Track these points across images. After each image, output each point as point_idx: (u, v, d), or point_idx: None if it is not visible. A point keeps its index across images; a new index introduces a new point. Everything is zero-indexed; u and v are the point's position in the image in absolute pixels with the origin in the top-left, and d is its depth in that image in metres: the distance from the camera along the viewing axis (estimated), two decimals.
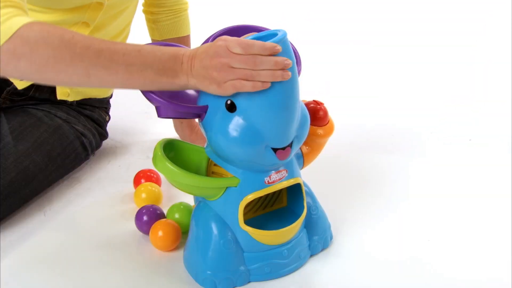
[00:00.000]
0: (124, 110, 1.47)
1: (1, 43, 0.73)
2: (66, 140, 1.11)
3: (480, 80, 1.72)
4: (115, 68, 0.75)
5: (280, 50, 0.71)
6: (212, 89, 0.74)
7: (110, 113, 1.31)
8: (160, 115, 0.76)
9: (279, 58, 0.71)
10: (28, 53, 0.74)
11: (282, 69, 0.71)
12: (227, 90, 0.73)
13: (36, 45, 0.74)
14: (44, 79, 0.78)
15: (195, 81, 0.75)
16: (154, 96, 0.75)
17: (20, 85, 1.10)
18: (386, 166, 1.17)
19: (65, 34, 0.75)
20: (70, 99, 1.15)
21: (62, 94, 1.13)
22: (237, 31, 0.87)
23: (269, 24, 0.95)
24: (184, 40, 1.23)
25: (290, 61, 0.71)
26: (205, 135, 0.79)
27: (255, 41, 0.71)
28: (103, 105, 1.24)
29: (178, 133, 1.34)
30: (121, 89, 0.81)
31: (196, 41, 0.89)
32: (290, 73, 0.71)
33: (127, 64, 0.74)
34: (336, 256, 0.90)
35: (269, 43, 0.70)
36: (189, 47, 1.21)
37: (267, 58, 0.70)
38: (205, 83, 0.74)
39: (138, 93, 0.79)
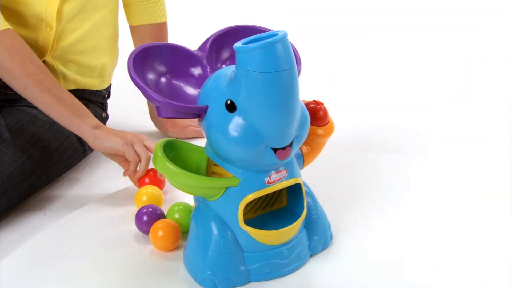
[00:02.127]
0: (124, 110, 1.47)
1: None
2: (62, 135, 1.13)
3: (480, 80, 1.72)
4: (45, 98, 1.00)
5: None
6: (114, 141, 1.03)
7: (110, 114, 1.31)
8: (160, 115, 0.77)
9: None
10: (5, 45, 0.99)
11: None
12: (127, 148, 1.02)
13: (6, 50, 0.99)
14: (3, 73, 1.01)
15: (103, 132, 1.03)
16: (154, 96, 0.75)
17: None
18: (386, 166, 1.17)
19: (27, 54, 1.02)
20: None
21: None
22: (237, 31, 0.87)
23: (270, 24, 0.95)
24: (160, 27, 1.25)
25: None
26: (205, 135, 0.79)
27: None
28: (98, 99, 1.25)
29: (153, 122, 1.36)
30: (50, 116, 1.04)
31: (196, 41, 0.89)
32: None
33: (57, 98, 1.01)
34: (336, 256, 0.90)
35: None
36: (166, 35, 1.28)
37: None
38: (114, 136, 1.03)
39: (138, 93, 0.79)
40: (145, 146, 1.04)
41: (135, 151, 1.03)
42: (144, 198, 1.01)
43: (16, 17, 1.08)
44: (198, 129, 1.33)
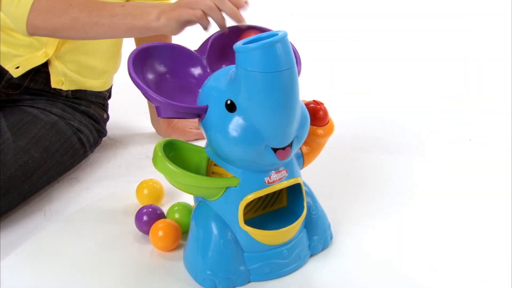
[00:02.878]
0: (124, 110, 1.47)
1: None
2: (63, 136, 1.13)
3: (480, 80, 1.72)
4: (101, 23, 0.94)
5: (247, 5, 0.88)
6: (176, 14, 0.88)
7: (111, 113, 1.31)
8: (160, 115, 0.76)
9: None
10: (43, 16, 0.97)
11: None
12: (189, 13, 0.87)
13: (49, 11, 0.97)
14: (54, 26, 0.98)
15: (164, 17, 0.89)
16: (154, 96, 0.75)
17: (15, 73, 1.12)
18: (386, 166, 1.17)
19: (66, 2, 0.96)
20: (64, 88, 1.17)
21: (56, 82, 1.16)
22: (237, 31, 0.87)
23: (270, 24, 0.95)
24: None
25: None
26: (205, 135, 0.79)
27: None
28: (99, 100, 1.25)
29: (154, 127, 1.35)
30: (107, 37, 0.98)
31: (196, 41, 0.89)
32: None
33: (111, 14, 0.94)
34: (336, 256, 0.90)
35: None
36: (170, 39, 1.25)
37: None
38: (172, 13, 0.88)
39: (138, 94, 0.79)
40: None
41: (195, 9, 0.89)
42: (145, 191, 1.02)
43: None
44: (198, 131, 1.33)
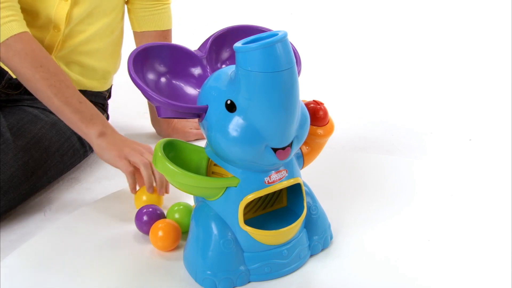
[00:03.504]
0: (124, 111, 1.47)
1: (1, 41, 0.98)
2: (63, 136, 1.13)
3: (480, 80, 1.72)
4: (53, 102, 1.00)
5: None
6: (111, 155, 1.00)
7: (111, 113, 1.31)
8: (160, 115, 0.76)
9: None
10: (11, 57, 1.00)
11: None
12: (121, 163, 1.00)
13: (17, 55, 1.00)
14: (17, 76, 1.03)
15: (105, 142, 1.00)
16: (154, 96, 0.75)
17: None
18: (386, 166, 1.17)
19: (37, 58, 1.00)
20: None
21: None
22: (237, 31, 0.87)
23: (270, 24, 0.95)
24: (165, 34, 1.25)
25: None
26: (205, 135, 0.79)
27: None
28: (99, 100, 1.25)
29: (154, 127, 1.35)
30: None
31: (196, 41, 0.89)
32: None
33: (64, 103, 1.00)
34: (336, 256, 0.90)
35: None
36: (170, 41, 1.25)
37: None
38: (115, 148, 1.00)
39: (137, 94, 0.79)
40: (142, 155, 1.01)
41: (130, 161, 1.00)
42: (144, 198, 1.01)
43: (25, 17, 1.08)
44: (198, 131, 1.33)
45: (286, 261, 0.85)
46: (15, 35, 0.99)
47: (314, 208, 0.89)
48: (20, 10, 1.02)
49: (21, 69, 1.00)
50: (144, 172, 0.98)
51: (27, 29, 1.02)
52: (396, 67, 1.83)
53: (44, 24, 1.09)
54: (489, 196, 1.05)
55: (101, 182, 1.16)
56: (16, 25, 0.99)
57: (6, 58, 1.00)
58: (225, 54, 0.87)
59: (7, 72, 1.12)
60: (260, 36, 0.72)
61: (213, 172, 0.85)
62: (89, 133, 1.01)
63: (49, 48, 1.12)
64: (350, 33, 2.15)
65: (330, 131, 0.88)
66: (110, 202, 1.06)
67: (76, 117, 1.01)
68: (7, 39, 0.98)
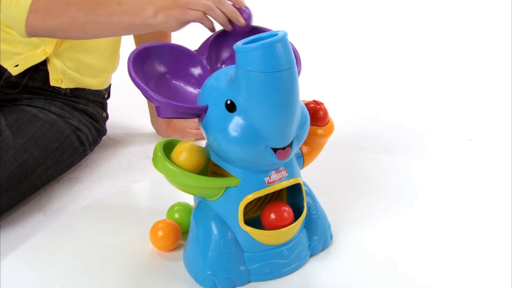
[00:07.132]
0: (124, 110, 1.47)
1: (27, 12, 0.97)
2: (62, 134, 1.13)
3: (480, 80, 1.72)
4: (100, 15, 0.94)
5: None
6: (176, 13, 0.88)
7: (111, 113, 1.31)
8: (160, 115, 0.76)
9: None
10: (42, 17, 0.96)
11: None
12: (190, 14, 0.87)
13: (46, 12, 0.96)
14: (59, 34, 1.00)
15: (162, 14, 0.89)
16: (154, 96, 0.75)
17: (14, 71, 1.12)
18: (386, 166, 1.17)
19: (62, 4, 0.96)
20: (63, 86, 1.17)
21: (54, 80, 1.16)
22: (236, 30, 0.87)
23: (270, 24, 0.95)
24: (164, 33, 1.26)
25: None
26: (205, 135, 0.79)
27: None
28: (98, 99, 1.25)
29: (154, 127, 1.35)
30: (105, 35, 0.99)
31: (196, 41, 0.89)
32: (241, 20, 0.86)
33: (108, 13, 0.93)
34: (336, 256, 0.90)
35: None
36: (170, 41, 1.25)
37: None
38: (171, 11, 0.88)
39: (137, 94, 0.79)
40: None
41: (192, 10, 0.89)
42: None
43: None
44: (198, 131, 1.33)
45: (286, 261, 0.85)
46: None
47: (314, 208, 0.89)
48: None
49: (57, 21, 0.95)
50: (213, 13, 0.87)
51: None
52: (396, 67, 1.83)
53: None
54: (489, 196, 1.05)
55: (101, 182, 1.16)
56: None
57: (42, 21, 0.96)
58: (225, 54, 0.87)
59: (5, 71, 1.12)
60: (260, 36, 0.72)
61: (213, 172, 0.85)
62: (149, 21, 0.91)
63: (47, 46, 1.12)
64: (350, 33, 2.15)
65: (330, 131, 0.88)
66: (110, 202, 1.06)
67: (129, 20, 0.93)
68: (30, 5, 0.96)
